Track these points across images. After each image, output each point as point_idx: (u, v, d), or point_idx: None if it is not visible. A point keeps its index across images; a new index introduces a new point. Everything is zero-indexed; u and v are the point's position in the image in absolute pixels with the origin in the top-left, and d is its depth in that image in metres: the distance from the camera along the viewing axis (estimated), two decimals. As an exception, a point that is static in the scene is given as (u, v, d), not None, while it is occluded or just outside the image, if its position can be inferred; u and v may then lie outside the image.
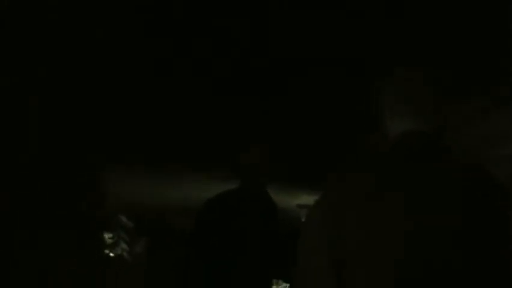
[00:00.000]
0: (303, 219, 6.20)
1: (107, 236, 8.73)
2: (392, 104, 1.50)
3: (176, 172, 5.97)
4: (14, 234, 2.54)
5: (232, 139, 4.12)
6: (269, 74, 3.13)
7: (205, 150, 4.94)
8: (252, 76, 3.16)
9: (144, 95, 3.59)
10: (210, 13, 2.49)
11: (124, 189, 6.79)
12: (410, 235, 1.24)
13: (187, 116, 4.01)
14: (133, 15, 2.52)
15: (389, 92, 1.51)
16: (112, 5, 2.43)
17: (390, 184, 1.30)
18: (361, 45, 2.63)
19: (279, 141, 2.76)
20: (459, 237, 1.24)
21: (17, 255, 2.56)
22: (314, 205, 1.44)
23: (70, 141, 3.08)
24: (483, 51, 2.55)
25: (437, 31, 2.43)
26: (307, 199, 6.29)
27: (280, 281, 4.94)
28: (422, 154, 1.36)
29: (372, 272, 1.24)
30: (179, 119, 4.10)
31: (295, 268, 1.39)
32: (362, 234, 1.27)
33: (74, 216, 2.92)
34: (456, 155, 1.37)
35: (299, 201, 6.59)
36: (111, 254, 8.50)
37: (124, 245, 8.86)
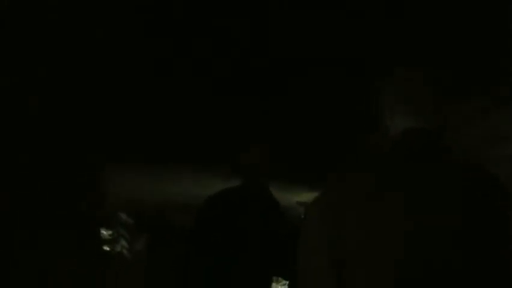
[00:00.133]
0: (302, 216, 6.20)
1: (107, 233, 8.74)
2: (392, 104, 1.50)
3: (176, 169, 5.97)
4: (14, 234, 2.55)
5: (232, 137, 4.12)
6: (269, 74, 3.12)
7: (205, 148, 4.94)
8: (252, 76, 3.16)
9: (145, 94, 3.59)
10: (209, 13, 2.49)
11: (124, 186, 6.79)
12: (410, 235, 1.24)
13: (188, 114, 4.01)
14: (133, 14, 2.52)
15: (389, 92, 1.51)
16: (112, 5, 2.42)
17: (390, 184, 1.30)
18: (361, 45, 2.63)
19: (279, 140, 2.75)
20: (459, 237, 1.24)
21: (17, 255, 2.56)
22: (313, 203, 1.44)
23: (69, 140, 3.08)
24: (483, 51, 2.54)
25: (437, 31, 2.43)
26: (308, 196, 6.29)
27: (280, 278, 4.94)
28: (422, 153, 1.36)
29: (372, 272, 1.25)
30: (180, 117, 4.10)
31: (296, 268, 1.40)
32: (361, 234, 1.27)
33: (74, 216, 2.92)
34: (456, 155, 1.37)
35: (299, 198, 6.60)
36: (111, 251, 8.51)
37: (124, 242, 8.86)
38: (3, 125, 2.59)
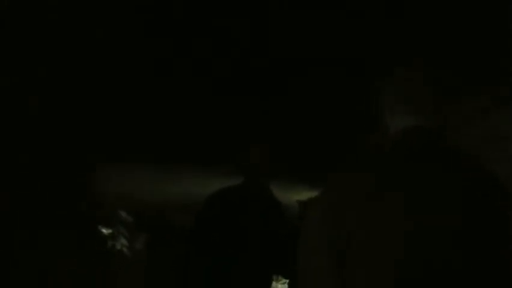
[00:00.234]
0: (298, 215, 6.20)
1: (106, 231, 8.74)
2: (392, 103, 1.50)
3: (176, 168, 5.96)
4: (14, 234, 2.55)
5: (232, 137, 4.12)
6: (269, 74, 3.12)
7: (205, 148, 4.94)
8: (252, 76, 3.16)
9: (146, 94, 3.59)
10: (210, 13, 2.49)
11: (124, 185, 6.79)
12: (410, 235, 1.24)
13: (188, 114, 4.00)
14: (133, 14, 2.52)
15: (389, 92, 1.51)
16: (112, 5, 2.42)
17: (390, 184, 1.29)
18: (361, 45, 2.63)
19: (279, 140, 2.74)
20: (459, 237, 1.24)
21: (17, 255, 2.56)
22: (313, 203, 1.44)
23: (69, 140, 3.08)
24: (483, 51, 2.54)
25: (437, 31, 2.42)
26: (308, 196, 6.29)
27: (280, 277, 4.95)
28: (422, 153, 1.36)
29: (372, 272, 1.25)
30: (181, 117, 4.10)
31: (297, 268, 1.40)
32: (362, 234, 1.27)
33: (74, 216, 2.92)
34: (456, 155, 1.37)
35: (299, 197, 6.60)
36: (111, 250, 8.51)
37: (123, 241, 8.87)
38: (3, 125, 2.59)
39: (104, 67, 3.02)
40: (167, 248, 8.57)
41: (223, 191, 2.73)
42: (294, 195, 6.53)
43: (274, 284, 5.06)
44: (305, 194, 6.41)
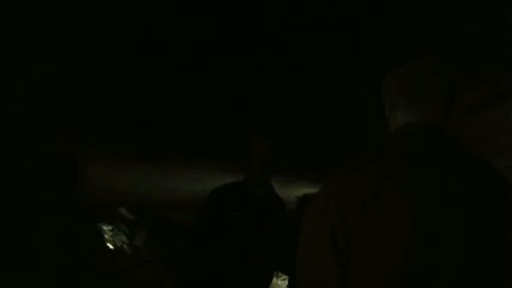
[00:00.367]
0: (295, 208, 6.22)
1: (106, 228, 8.77)
2: (393, 97, 1.49)
3: (176, 165, 5.97)
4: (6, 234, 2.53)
5: (233, 133, 4.12)
6: (270, 72, 3.11)
7: (206, 145, 4.94)
8: (253, 73, 3.14)
9: (146, 94, 3.59)
10: (210, 11, 2.47)
11: (124, 182, 6.80)
12: (413, 233, 1.24)
13: (189, 113, 4.00)
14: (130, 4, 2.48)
15: (390, 86, 1.51)
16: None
17: (392, 182, 1.29)
18: (361, 42, 2.61)
19: (280, 136, 2.73)
20: (463, 234, 1.24)
21: (11, 252, 2.54)
22: (315, 195, 1.43)
23: (67, 140, 3.06)
24: (484, 46, 2.52)
25: (438, 27, 2.41)
26: (307, 191, 6.30)
27: (280, 273, 4.96)
28: (423, 149, 1.35)
29: (373, 272, 1.24)
30: (181, 116, 4.09)
31: (297, 255, 1.38)
32: (363, 232, 1.27)
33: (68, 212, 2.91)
34: (458, 150, 1.36)
35: (299, 193, 6.60)
36: (110, 246, 8.54)
37: (123, 237, 8.90)
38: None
39: (101, 60, 3.00)
40: (167, 246, 8.60)
41: (225, 186, 2.74)
42: (294, 191, 6.54)
43: (274, 279, 5.08)
44: (305, 191, 6.42)
